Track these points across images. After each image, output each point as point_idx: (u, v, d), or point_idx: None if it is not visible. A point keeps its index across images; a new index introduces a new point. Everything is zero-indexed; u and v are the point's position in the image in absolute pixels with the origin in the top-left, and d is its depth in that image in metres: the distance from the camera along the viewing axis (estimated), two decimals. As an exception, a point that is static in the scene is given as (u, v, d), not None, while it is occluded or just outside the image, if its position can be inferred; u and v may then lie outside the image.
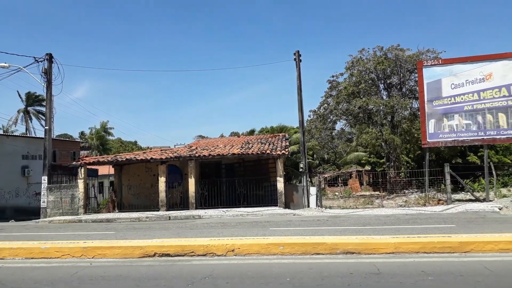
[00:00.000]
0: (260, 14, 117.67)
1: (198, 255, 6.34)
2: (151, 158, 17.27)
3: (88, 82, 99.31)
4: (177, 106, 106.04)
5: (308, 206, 16.55)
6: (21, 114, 49.90)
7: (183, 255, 6.37)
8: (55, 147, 34.04)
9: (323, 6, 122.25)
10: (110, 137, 58.10)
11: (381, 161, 34.37)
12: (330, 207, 16.94)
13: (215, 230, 10.40)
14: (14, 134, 39.96)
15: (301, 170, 17.27)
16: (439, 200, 17.84)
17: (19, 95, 49.27)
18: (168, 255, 6.39)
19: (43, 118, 51.16)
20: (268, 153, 16.93)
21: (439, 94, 18.39)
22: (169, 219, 14.81)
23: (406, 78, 27.79)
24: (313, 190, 16.77)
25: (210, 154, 17.18)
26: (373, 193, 30.87)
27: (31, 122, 51.30)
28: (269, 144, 19.82)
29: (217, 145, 20.78)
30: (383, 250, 6.17)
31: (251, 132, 47.89)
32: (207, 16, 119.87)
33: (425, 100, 18.52)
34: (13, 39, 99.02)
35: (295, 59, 18.88)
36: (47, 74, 18.44)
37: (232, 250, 6.33)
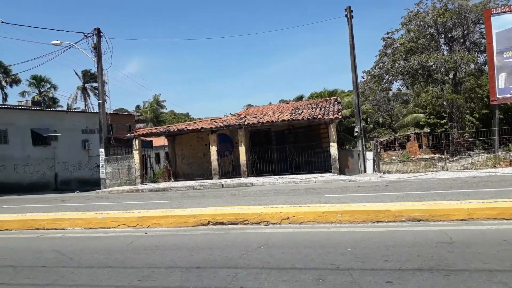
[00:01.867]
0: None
1: (252, 224, 6.19)
2: (202, 127, 17.40)
3: (139, 57, 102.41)
4: (225, 77, 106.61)
5: (365, 172, 15.92)
6: (79, 91, 52.58)
7: (237, 223, 6.25)
8: (111, 121, 35.88)
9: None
10: (163, 110, 60.20)
11: (442, 121, 32.25)
12: (388, 172, 16.18)
13: (268, 198, 10.26)
14: (73, 110, 42.26)
15: (356, 134, 16.52)
16: (510, 160, 16.34)
17: (76, 73, 51.82)
18: (222, 223, 6.31)
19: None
20: (319, 118, 16.34)
21: (511, 44, 16.45)
22: (222, 187, 14.96)
23: (471, 30, 25.29)
24: (369, 155, 16.04)
25: (259, 122, 16.94)
26: (433, 155, 29.22)
27: (89, 98, 54.13)
28: (320, 109, 19.14)
29: (266, 113, 20.47)
30: (454, 217, 5.61)
31: (300, 98, 46.90)
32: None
33: (494, 52, 16.71)
34: (64, 16, 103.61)
35: (346, 16, 17.67)
36: (97, 49, 18.93)
37: (287, 218, 6.10)
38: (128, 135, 18.40)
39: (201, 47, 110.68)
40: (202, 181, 16.66)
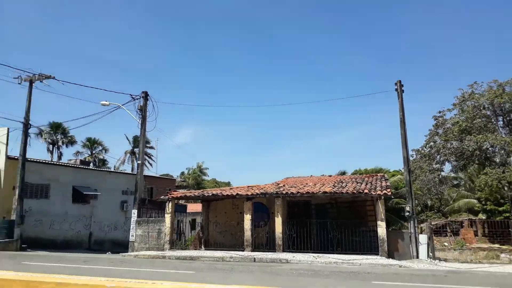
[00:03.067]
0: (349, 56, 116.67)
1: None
2: (237, 194, 16.64)
3: (190, 128, 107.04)
4: (269, 150, 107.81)
5: (417, 257, 14.10)
6: (128, 155, 54.68)
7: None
8: (152, 184, 36.24)
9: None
10: (205, 177, 61.15)
11: (501, 208, 29.46)
12: (445, 260, 14.27)
13: (305, 279, 9.01)
14: (116, 171, 43.43)
15: (407, 214, 15.01)
16: None
17: (127, 138, 54.35)
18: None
19: (148, 158, 55.64)
20: (366, 193, 15.12)
21: None
22: (254, 261, 13.72)
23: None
24: (422, 238, 14.31)
25: (298, 192, 15.95)
26: (492, 245, 26.29)
27: (136, 162, 55.93)
28: (366, 184, 17.92)
29: (307, 183, 19.50)
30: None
31: (343, 174, 45.61)
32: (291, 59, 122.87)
33: None
34: (112, 83, 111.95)
35: (396, 89, 17.21)
36: (142, 111, 19.45)
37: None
38: (162, 197, 17.97)
39: (249, 119, 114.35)
40: (233, 252, 15.49)
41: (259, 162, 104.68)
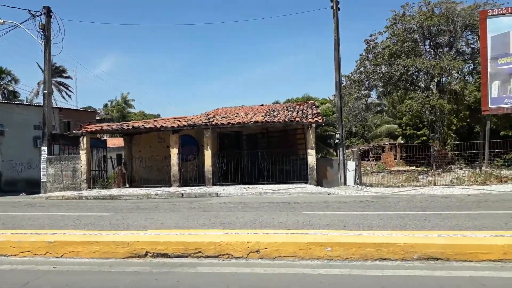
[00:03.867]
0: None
1: (208, 257, 4.60)
2: (161, 126, 15.55)
3: (113, 56, 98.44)
4: (200, 80, 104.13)
5: (345, 184, 14.61)
6: (42, 86, 49.48)
7: (186, 256, 4.65)
8: (69, 117, 33.18)
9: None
10: (132, 110, 58.09)
11: (419, 133, 31.88)
12: (371, 185, 14.97)
13: (234, 214, 8.68)
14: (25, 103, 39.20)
15: (337, 141, 15.20)
16: (501, 177, 15.53)
17: (39, 66, 48.50)
18: (165, 255, 4.69)
19: (65, 89, 50.73)
20: (297, 121, 14.93)
21: (507, 50, 15.75)
22: (182, 197, 13.25)
23: (457, 37, 24.84)
24: (351, 165, 14.74)
25: (229, 123, 15.31)
26: (409, 168, 28.69)
27: (52, 93, 50.77)
28: (298, 112, 17.78)
29: (238, 113, 18.91)
30: (484, 256, 4.24)
31: (275, 103, 45.81)
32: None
33: (488, 57, 15.91)
34: None
35: (332, 7, 16.36)
36: (45, 31, 16.78)
37: (256, 251, 4.55)
38: (75, 131, 16.27)
39: (176, 48, 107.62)
40: (159, 188, 14.85)
41: (190, 94, 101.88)
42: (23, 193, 18.60)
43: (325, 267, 4.18)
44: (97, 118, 52.89)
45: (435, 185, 14.37)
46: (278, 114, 17.35)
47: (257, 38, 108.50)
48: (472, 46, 25.56)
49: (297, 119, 15.06)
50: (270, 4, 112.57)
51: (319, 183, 14.63)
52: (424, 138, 30.55)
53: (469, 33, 25.03)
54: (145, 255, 4.69)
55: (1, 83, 46.99)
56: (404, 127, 34.50)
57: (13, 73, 47.87)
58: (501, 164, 19.52)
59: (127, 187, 18.29)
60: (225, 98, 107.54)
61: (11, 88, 47.84)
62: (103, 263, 4.56)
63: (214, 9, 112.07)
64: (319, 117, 15.32)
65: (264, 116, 16.58)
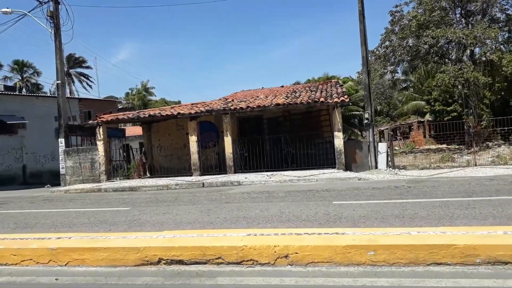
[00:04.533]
0: None
1: (229, 263, 4.02)
2: (178, 113, 15.04)
3: (132, 44, 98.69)
4: (220, 65, 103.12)
5: (376, 167, 13.79)
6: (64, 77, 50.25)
7: (205, 263, 4.08)
8: (90, 107, 33.26)
9: None
10: (152, 98, 58.36)
11: (449, 108, 30.26)
12: (404, 168, 14.08)
13: (257, 205, 8.12)
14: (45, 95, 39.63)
15: (366, 122, 14.29)
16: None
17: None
18: (180, 262, 4.14)
19: (86, 79, 51.18)
20: (322, 102, 14.11)
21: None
22: (203, 186, 12.78)
23: (491, 3, 23.10)
24: (382, 147, 13.87)
25: (248, 106, 14.63)
26: (440, 146, 27.41)
27: (73, 84, 51.45)
28: (321, 92, 16.93)
29: (258, 96, 18.21)
30: None
31: (296, 84, 44.78)
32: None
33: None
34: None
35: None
36: (54, 18, 16.39)
37: (285, 256, 3.93)
38: (90, 121, 15.96)
39: (196, 33, 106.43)
40: (179, 178, 14.45)
41: (209, 79, 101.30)
42: (48, 185, 18.68)
43: (368, 275, 3.54)
44: (119, 107, 53.53)
45: (476, 165, 13.37)
46: (300, 95, 16.55)
47: (273, 18, 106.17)
48: (507, 12, 23.83)
49: (322, 99, 14.24)
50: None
51: (347, 168, 13.87)
52: (455, 114, 28.98)
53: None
54: (158, 262, 4.16)
55: (24, 76, 47.73)
56: (433, 103, 32.88)
57: (35, 65, 48.60)
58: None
59: (148, 177, 18.04)
60: (245, 82, 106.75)
61: (33, 81, 48.60)
62: (111, 273, 4.06)
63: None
64: (345, 96, 14.45)
65: (286, 97, 15.82)
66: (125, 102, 55.61)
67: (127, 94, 58.89)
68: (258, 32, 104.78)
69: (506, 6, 23.83)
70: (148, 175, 18.97)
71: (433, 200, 7.60)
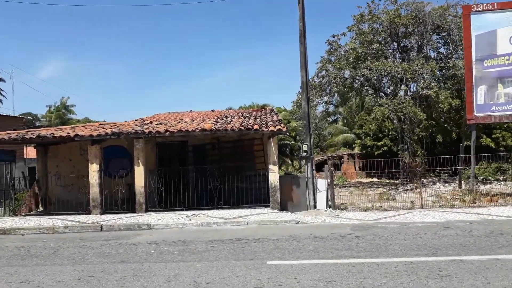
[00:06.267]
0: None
1: None
2: (76, 134, 12.32)
3: (59, 61, 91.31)
4: (151, 87, 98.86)
5: (315, 207, 12.25)
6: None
7: None
8: (-14, 125, 28.48)
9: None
10: (73, 116, 54.14)
11: (379, 143, 30.58)
12: (345, 208, 12.71)
13: (165, 266, 6.02)
14: None
15: (304, 154, 12.82)
16: (492, 195, 13.92)
17: None
18: None
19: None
20: (256, 129, 12.44)
21: (493, 51, 14.34)
22: (101, 230, 10.27)
23: (426, 40, 23.71)
24: (321, 184, 12.42)
25: (167, 131, 12.44)
26: (371, 180, 27.26)
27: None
28: (255, 118, 15.36)
29: (182, 119, 16.14)
30: None
31: (228, 110, 43.48)
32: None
33: (473, 59, 14.37)
34: None
35: (297, -10, 14.08)
36: None
37: None
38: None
39: (130, 55, 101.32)
40: (73, 217, 11.70)
41: (140, 100, 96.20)
42: None
43: None
44: (37, 124, 48.26)
45: (422, 207, 12.40)
46: (232, 120, 14.81)
47: (208, 48, 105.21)
48: (439, 50, 24.68)
49: (256, 126, 12.57)
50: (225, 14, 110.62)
51: (283, 207, 12.18)
52: (386, 148, 29.42)
53: (438, 36, 24.04)
54: None
55: None
56: (363, 137, 33.20)
57: None
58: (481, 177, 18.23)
59: (40, 211, 14.99)
60: (175, 106, 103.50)
61: None
62: None
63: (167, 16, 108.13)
64: (282, 125, 12.93)
65: (215, 122, 13.95)
66: (44, 120, 51.07)
67: (48, 111, 54.00)
68: (195, 58, 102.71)
69: (438, 45, 24.64)
70: (41, 209, 15.79)
71: (394, 260, 6.08)
